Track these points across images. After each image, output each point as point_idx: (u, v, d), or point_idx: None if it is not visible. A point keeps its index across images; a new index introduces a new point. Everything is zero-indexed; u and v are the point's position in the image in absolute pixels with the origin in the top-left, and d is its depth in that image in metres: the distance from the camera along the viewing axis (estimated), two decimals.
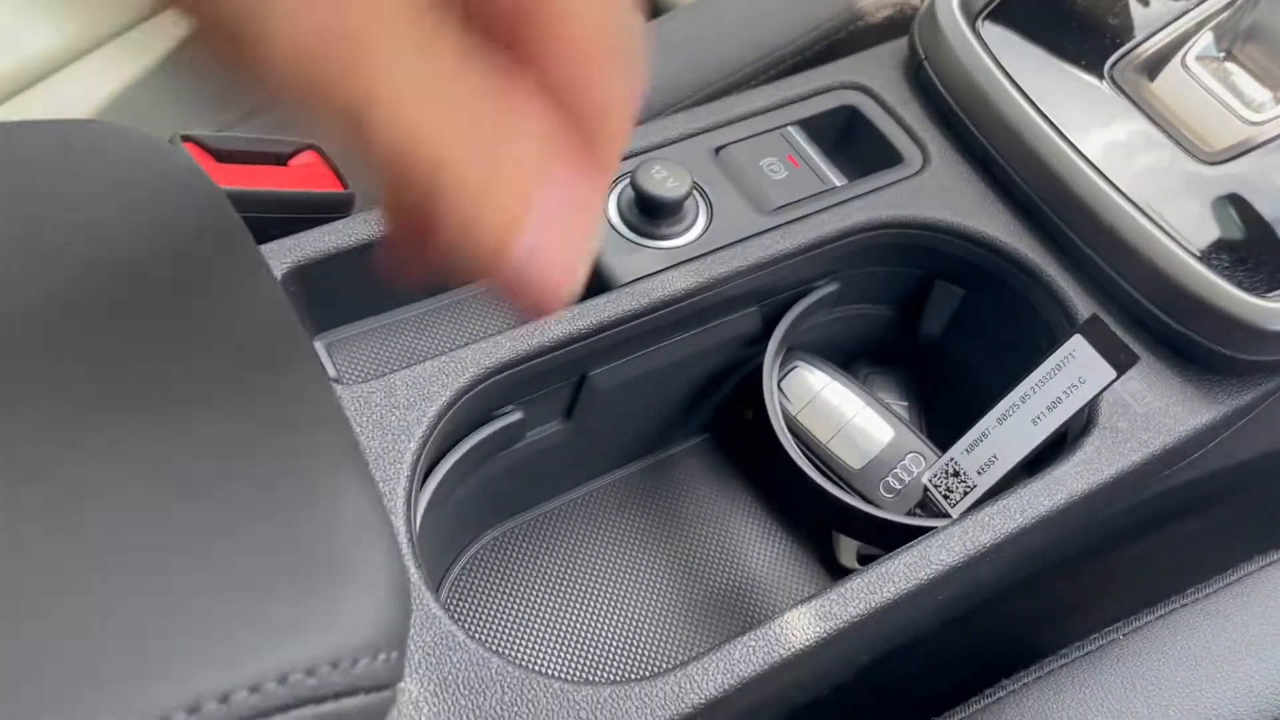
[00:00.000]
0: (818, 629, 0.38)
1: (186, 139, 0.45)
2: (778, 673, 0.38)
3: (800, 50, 0.60)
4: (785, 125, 0.52)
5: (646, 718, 0.36)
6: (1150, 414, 0.45)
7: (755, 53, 0.58)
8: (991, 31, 0.52)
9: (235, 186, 0.45)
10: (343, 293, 0.46)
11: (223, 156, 0.47)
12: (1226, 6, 0.51)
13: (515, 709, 0.35)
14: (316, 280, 0.45)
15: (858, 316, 0.54)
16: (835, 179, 0.52)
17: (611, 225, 0.47)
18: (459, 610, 0.49)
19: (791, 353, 0.52)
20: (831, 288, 0.51)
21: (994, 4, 0.53)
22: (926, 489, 0.46)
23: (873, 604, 0.39)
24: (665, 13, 0.68)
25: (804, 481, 0.47)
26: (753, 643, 0.38)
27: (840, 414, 0.51)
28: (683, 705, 0.36)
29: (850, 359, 0.56)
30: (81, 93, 0.71)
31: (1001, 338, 0.52)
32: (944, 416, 0.55)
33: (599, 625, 0.50)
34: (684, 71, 0.57)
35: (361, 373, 0.44)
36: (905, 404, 0.56)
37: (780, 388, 0.51)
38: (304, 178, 0.49)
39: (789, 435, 0.48)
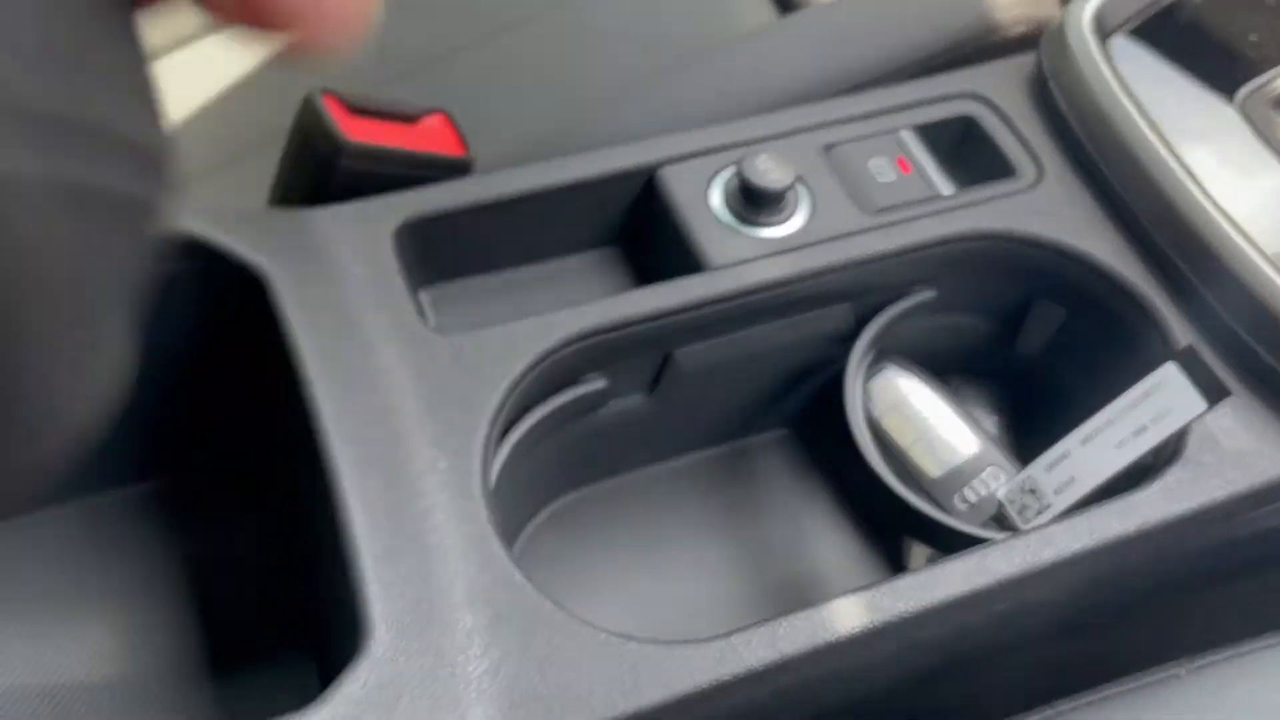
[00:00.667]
0: (864, 619, 0.39)
1: (326, 91, 0.49)
2: (820, 657, 0.38)
3: (928, 58, 0.60)
4: (899, 129, 0.53)
5: (685, 679, 0.37)
6: (1240, 452, 0.44)
7: (881, 56, 0.58)
8: (1121, 51, 0.52)
9: (362, 139, 0.48)
10: (450, 249, 0.48)
11: (355, 110, 0.50)
12: None
13: (561, 651, 0.37)
14: (427, 235, 0.47)
15: (954, 327, 0.54)
16: (944, 187, 0.52)
17: (713, 211, 0.49)
18: (527, 562, 0.51)
19: (882, 355, 0.52)
20: (929, 294, 0.51)
21: (1126, 23, 0.52)
22: (1001, 504, 0.46)
23: (923, 603, 0.40)
24: (797, 10, 0.69)
25: (877, 483, 0.47)
26: (797, 622, 0.38)
27: (924, 421, 0.51)
28: (721, 672, 0.37)
29: (942, 368, 0.56)
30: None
31: (1099, 361, 0.51)
32: (1032, 434, 0.54)
33: (657, 594, 0.51)
34: (806, 68, 0.58)
35: (458, 325, 0.47)
36: (994, 418, 0.55)
37: (866, 389, 0.52)
38: (428, 138, 0.51)
39: (868, 435, 0.48)
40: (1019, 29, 0.62)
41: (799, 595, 0.53)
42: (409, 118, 0.52)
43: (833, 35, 0.60)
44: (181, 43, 0.80)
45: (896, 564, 0.54)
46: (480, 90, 0.71)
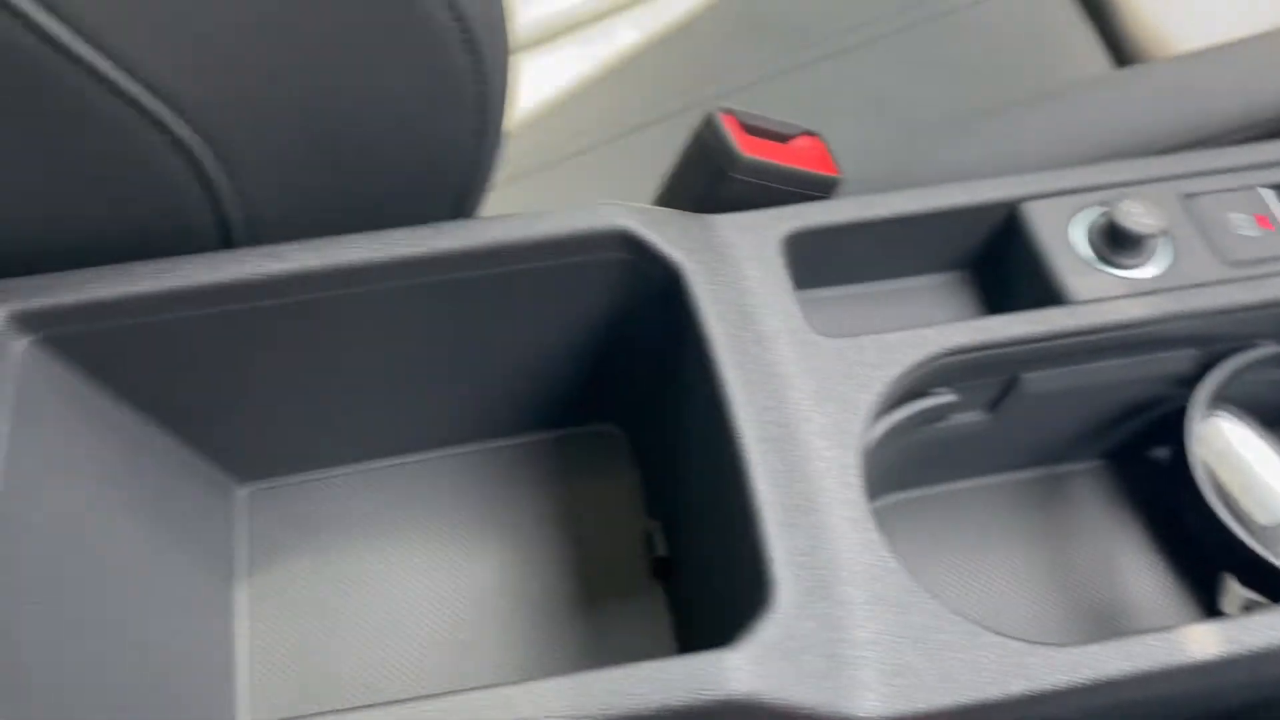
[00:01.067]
0: (1219, 648, 0.41)
1: (725, 112, 0.54)
2: (1172, 676, 0.41)
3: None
4: (1259, 186, 0.54)
5: (1044, 677, 0.40)
6: None
7: (1241, 112, 0.60)
8: None
9: (754, 155, 0.54)
10: (825, 259, 0.53)
11: (746, 128, 0.55)
12: None
13: (932, 634, 0.41)
14: (807, 245, 0.52)
15: None
16: None
17: (1074, 247, 0.52)
18: None
19: (1216, 401, 0.54)
20: (1275, 348, 0.53)
21: None
22: None
23: (1274, 641, 0.42)
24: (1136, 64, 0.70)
25: (1211, 521, 0.49)
26: (1153, 642, 0.41)
27: (1252, 469, 0.53)
28: (1077, 676, 0.41)
29: (1276, 420, 0.57)
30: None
31: None
32: None
33: (969, 597, 0.54)
34: (1165, 119, 0.60)
35: (832, 330, 0.51)
36: None
37: (1203, 432, 0.53)
38: (804, 157, 0.56)
39: (1205, 475, 0.50)
40: None
41: (1107, 621, 0.55)
42: (784, 137, 0.57)
43: (1191, 87, 0.62)
44: (531, 46, 0.87)
45: (1205, 603, 0.55)
46: (822, 110, 0.76)
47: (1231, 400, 0.55)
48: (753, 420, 0.45)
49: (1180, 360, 0.53)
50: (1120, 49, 0.74)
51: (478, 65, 0.43)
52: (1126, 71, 0.67)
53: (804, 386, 0.47)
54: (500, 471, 0.56)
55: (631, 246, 0.48)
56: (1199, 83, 0.62)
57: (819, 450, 0.45)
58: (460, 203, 0.51)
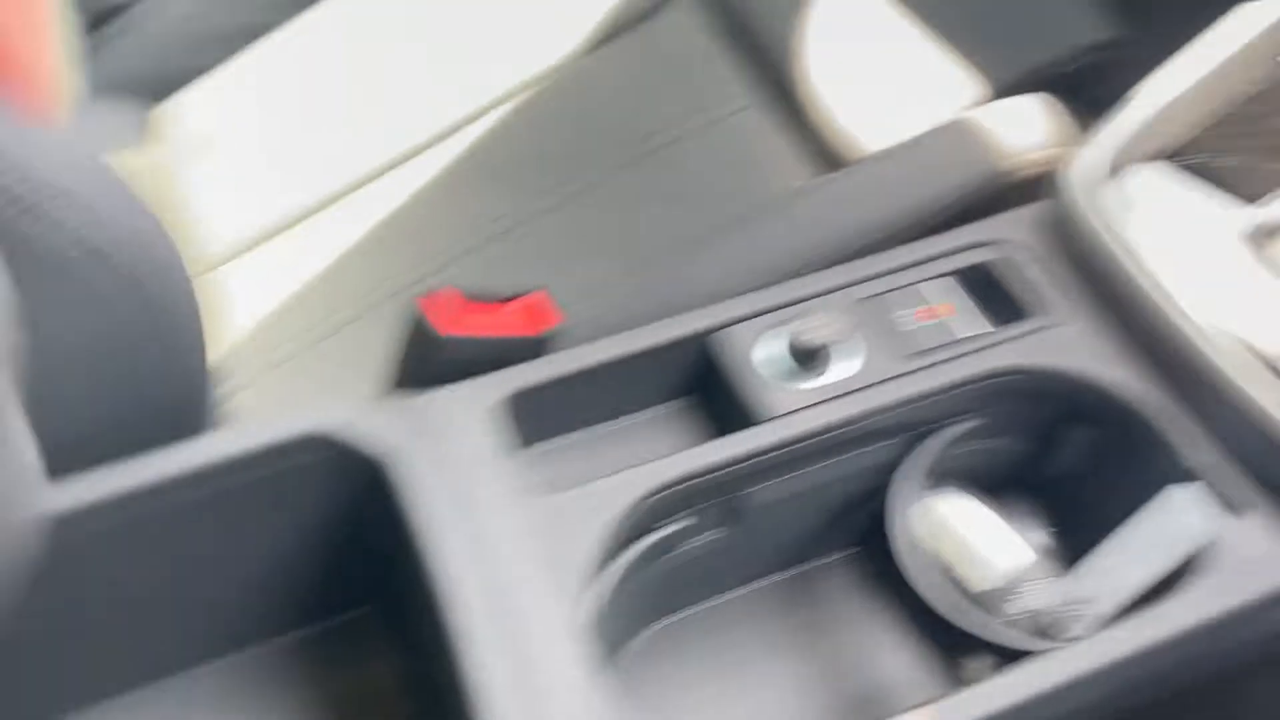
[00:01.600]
0: None
1: (427, 292, 0.57)
2: None
3: (947, 208, 0.67)
4: (929, 279, 0.59)
5: None
6: (1259, 559, 0.48)
7: (905, 211, 0.65)
8: (1129, 188, 0.58)
9: (457, 333, 0.56)
10: (547, 413, 0.56)
11: (456, 303, 0.58)
12: None
13: None
14: (527, 404, 0.55)
15: (995, 449, 0.60)
16: (975, 329, 0.58)
17: (762, 367, 0.56)
18: (624, 686, 0.57)
19: (931, 479, 0.58)
20: (971, 423, 0.57)
21: (1133, 163, 0.58)
22: (1043, 616, 0.51)
23: (982, 713, 0.45)
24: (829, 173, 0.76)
25: (916, 597, 0.53)
26: None
27: (968, 538, 0.56)
28: None
29: (989, 488, 0.61)
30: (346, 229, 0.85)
31: (1130, 477, 0.56)
32: (1075, 546, 0.59)
33: (738, 712, 0.56)
34: (838, 229, 0.65)
35: (556, 482, 0.53)
36: (1039, 532, 0.60)
37: (916, 511, 0.57)
38: (516, 319, 0.59)
39: (914, 559, 0.54)
40: (1028, 172, 0.69)
41: (871, 709, 0.58)
42: (503, 301, 0.60)
43: (857, 197, 0.68)
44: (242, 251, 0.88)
45: (957, 673, 0.59)
46: (551, 255, 0.80)
47: (950, 472, 0.59)
48: (468, 594, 0.46)
49: (889, 450, 0.57)
50: (821, 157, 0.80)
51: (145, 299, 0.45)
52: (813, 186, 0.72)
53: (522, 549, 0.49)
54: (261, 676, 0.56)
55: (331, 447, 0.50)
56: (870, 188, 0.68)
57: (540, 613, 0.47)
58: (185, 424, 0.52)
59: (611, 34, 0.90)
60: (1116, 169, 0.59)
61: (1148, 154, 0.60)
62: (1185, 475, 0.51)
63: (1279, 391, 0.50)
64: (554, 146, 0.87)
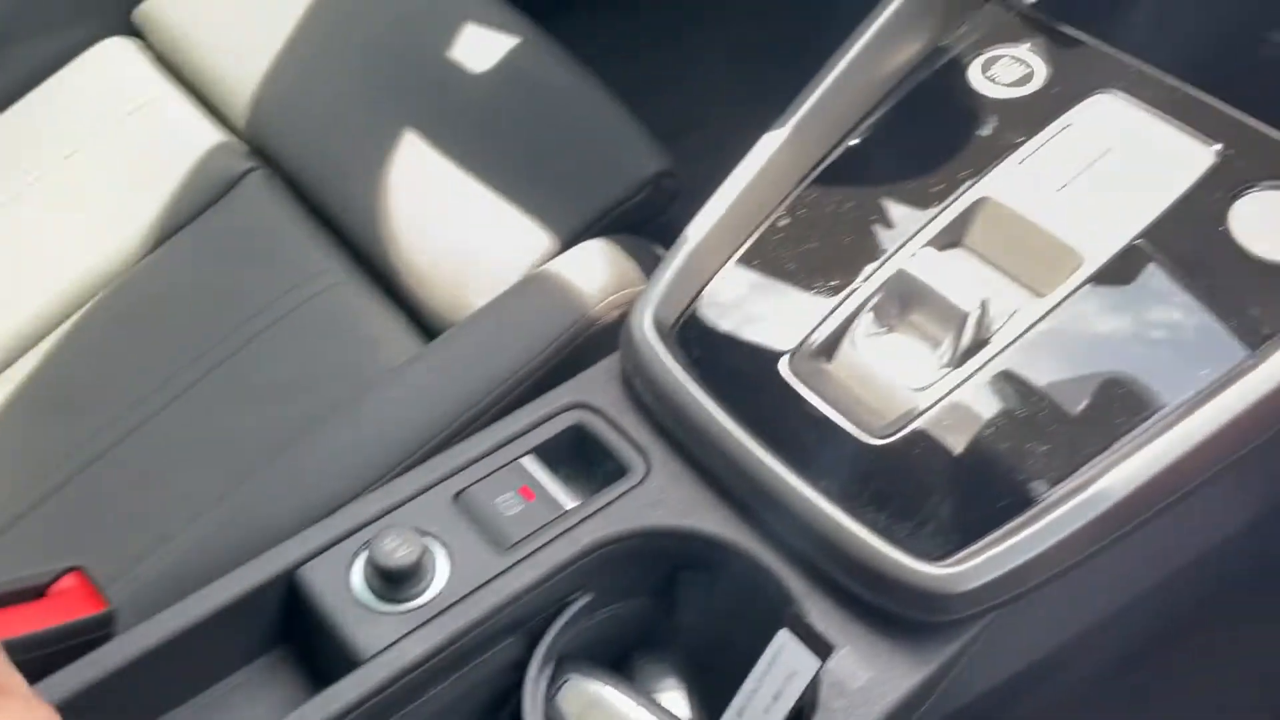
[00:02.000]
0: None
1: None
2: None
3: (542, 365, 0.66)
4: (519, 457, 0.57)
5: None
6: (866, 687, 0.49)
7: (498, 378, 0.63)
8: (686, 338, 0.59)
9: None
10: (118, 708, 0.48)
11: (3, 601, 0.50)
12: (880, 288, 0.58)
13: None
14: (89, 708, 0.47)
15: (619, 615, 0.58)
16: (569, 501, 0.56)
17: (356, 597, 0.51)
18: None
19: (562, 664, 0.56)
20: (585, 599, 0.55)
21: (684, 317, 0.59)
22: None
23: None
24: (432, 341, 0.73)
25: None
26: None
27: (615, 709, 0.54)
28: None
29: (622, 653, 0.60)
30: None
31: (750, 618, 0.56)
32: (719, 694, 0.58)
33: None
34: (425, 416, 0.62)
35: None
36: (681, 688, 0.59)
37: (554, 703, 0.54)
38: (64, 604, 0.52)
39: None
40: (615, 313, 0.69)
41: None
42: (40, 589, 0.52)
43: (447, 373, 0.65)
44: None
45: None
46: (137, 482, 0.71)
47: (581, 650, 0.57)
48: None
49: (512, 648, 0.54)
50: (427, 325, 0.78)
51: None
52: (417, 357, 0.69)
53: None
54: None
55: None
56: (464, 360, 0.66)
57: None
58: None
59: (173, 226, 0.84)
60: (669, 324, 0.59)
61: (694, 309, 0.60)
62: (790, 616, 0.52)
63: (840, 521, 0.51)
64: (129, 358, 0.79)
